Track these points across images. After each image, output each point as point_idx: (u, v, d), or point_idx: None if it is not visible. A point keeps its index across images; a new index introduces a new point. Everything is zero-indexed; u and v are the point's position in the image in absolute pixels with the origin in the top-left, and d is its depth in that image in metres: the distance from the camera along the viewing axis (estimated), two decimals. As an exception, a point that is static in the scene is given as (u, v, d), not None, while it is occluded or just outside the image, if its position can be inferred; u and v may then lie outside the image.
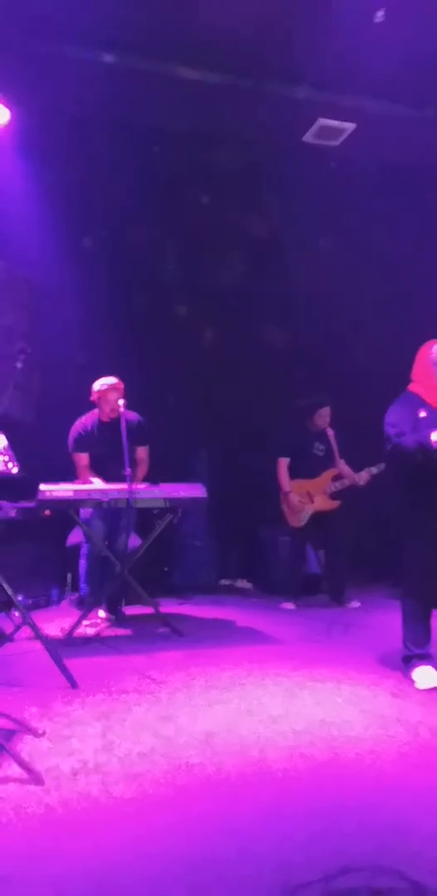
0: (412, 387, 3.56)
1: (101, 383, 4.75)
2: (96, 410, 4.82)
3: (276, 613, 5.21)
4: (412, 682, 3.43)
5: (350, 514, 5.55)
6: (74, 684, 3.29)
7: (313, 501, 5.45)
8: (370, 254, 6.40)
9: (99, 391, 4.75)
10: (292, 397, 5.99)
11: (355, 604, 5.39)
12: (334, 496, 5.48)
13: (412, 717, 3.01)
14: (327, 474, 5.51)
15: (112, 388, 4.73)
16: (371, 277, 6.39)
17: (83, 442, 4.80)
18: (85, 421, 4.85)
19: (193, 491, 4.55)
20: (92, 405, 4.82)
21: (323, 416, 5.52)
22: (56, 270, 5.56)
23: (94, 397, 4.77)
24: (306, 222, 6.14)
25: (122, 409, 4.61)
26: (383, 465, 5.20)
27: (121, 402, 4.66)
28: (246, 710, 3.07)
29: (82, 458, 4.79)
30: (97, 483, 4.60)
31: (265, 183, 6.12)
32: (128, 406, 4.71)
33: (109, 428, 4.65)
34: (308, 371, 6.27)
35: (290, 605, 5.38)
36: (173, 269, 6.24)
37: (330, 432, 5.57)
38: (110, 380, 4.75)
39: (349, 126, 5.72)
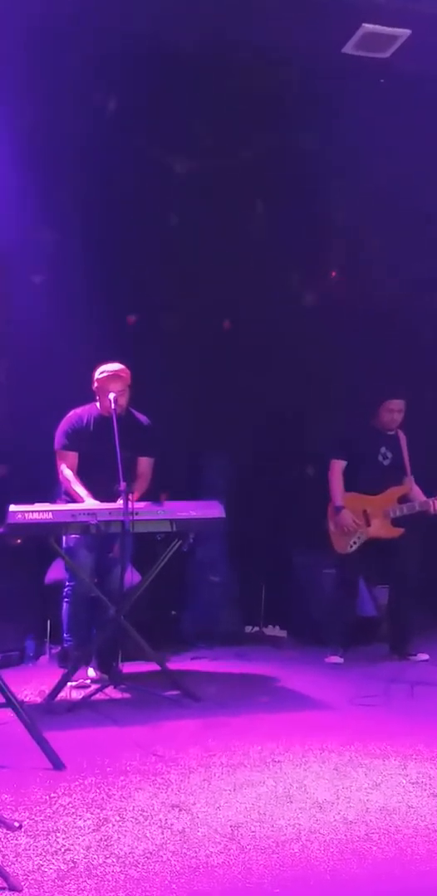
0: None
1: (101, 370, 4.85)
2: (96, 403, 4.93)
3: (319, 669, 5.21)
4: None
5: (421, 539, 5.51)
6: (57, 764, 3.30)
7: (369, 524, 5.42)
8: (432, 189, 6.35)
9: (98, 380, 4.84)
10: (346, 382, 5.93)
11: (424, 656, 5.36)
12: (396, 522, 5.44)
13: None
14: (393, 492, 5.47)
15: (113, 376, 4.81)
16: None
17: (74, 437, 4.88)
18: (81, 412, 4.95)
19: (208, 510, 4.55)
20: (93, 396, 4.94)
21: (392, 411, 5.47)
22: (26, 226, 5.59)
23: (94, 386, 4.87)
24: (349, 154, 6.11)
25: (114, 406, 4.66)
26: None
27: (111, 395, 4.72)
28: (283, 795, 3.07)
29: (70, 458, 4.85)
30: (85, 498, 4.64)
31: (297, 107, 6.12)
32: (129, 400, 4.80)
33: (107, 427, 4.69)
34: (369, 349, 6.22)
35: (337, 659, 5.37)
36: (180, 222, 6.25)
37: (402, 437, 5.54)
38: (113, 366, 4.84)
39: (402, 33, 5.70)
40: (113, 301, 5.88)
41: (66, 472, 4.81)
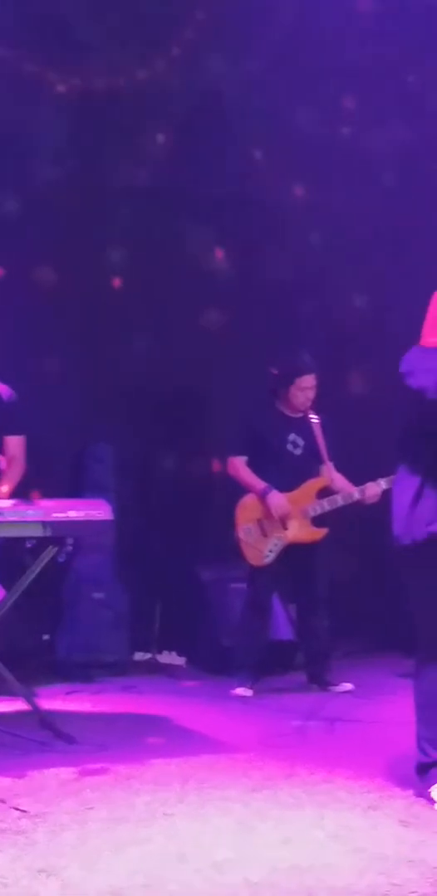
0: (426, 341, 3.65)
1: None
2: None
3: (224, 704, 5.23)
4: (432, 801, 3.50)
5: (337, 548, 5.62)
6: None
7: (285, 528, 5.48)
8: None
9: None
10: (255, 357, 5.96)
11: (346, 686, 5.46)
12: (318, 521, 5.52)
13: (432, 857, 3.05)
14: (311, 486, 5.54)
15: None
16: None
17: None
18: None
19: (91, 510, 4.52)
20: None
21: (304, 389, 5.51)
22: None
23: None
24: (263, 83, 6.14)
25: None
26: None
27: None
28: (175, 855, 3.06)
29: None
30: None
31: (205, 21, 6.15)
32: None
33: None
34: (286, 317, 6.28)
35: (245, 691, 5.40)
36: (61, 153, 6.15)
37: (315, 420, 5.59)
38: None
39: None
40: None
41: None
